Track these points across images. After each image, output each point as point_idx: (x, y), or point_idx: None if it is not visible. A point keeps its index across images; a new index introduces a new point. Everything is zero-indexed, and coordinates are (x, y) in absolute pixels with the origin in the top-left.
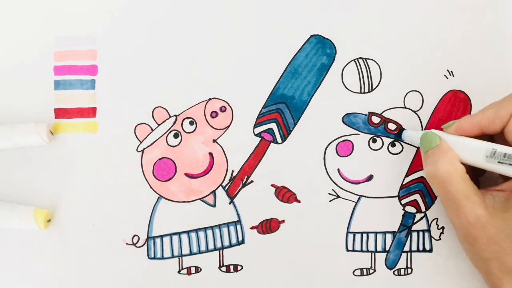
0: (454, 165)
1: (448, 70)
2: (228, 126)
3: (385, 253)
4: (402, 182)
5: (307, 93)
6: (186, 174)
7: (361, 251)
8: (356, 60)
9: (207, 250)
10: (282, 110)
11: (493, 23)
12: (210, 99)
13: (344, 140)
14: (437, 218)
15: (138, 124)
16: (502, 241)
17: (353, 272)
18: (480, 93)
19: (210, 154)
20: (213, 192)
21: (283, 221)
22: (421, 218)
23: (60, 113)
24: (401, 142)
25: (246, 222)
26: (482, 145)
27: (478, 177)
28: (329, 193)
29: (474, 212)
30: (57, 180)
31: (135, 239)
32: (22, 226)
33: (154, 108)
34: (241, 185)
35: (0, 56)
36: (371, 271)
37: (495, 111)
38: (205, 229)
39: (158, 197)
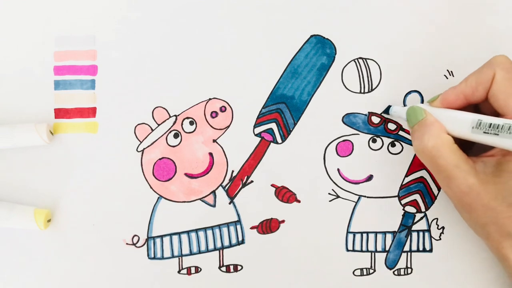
0: (440, 137)
1: (448, 70)
2: (228, 126)
3: (385, 253)
4: (402, 182)
5: (307, 93)
6: (186, 174)
7: (361, 251)
8: (356, 60)
9: (207, 250)
10: (282, 110)
11: (493, 23)
12: (210, 99)
13: (344, 140)
14: (437, 218)
15: (138, 124)
16: (498, 206)
17: (353, 272)
18: None
19: (210, 154)
20: (213, 192)
21: (283, 221)
22: (421, 218)
23: (60, 113)
24: (401, 142)
25: (246, 222)
26: (467, 116)
27: (468, 150)
28: (329, 193)
29: (466, 181)
30: (57, 180)
31: (135, 239)
32: (22, 226)
33: (154, 108)
34: (241, 185)
35: (0, 56)
36: (371, 271)
37: (477, 78)
38: (205, 229)
39: (158, 197)
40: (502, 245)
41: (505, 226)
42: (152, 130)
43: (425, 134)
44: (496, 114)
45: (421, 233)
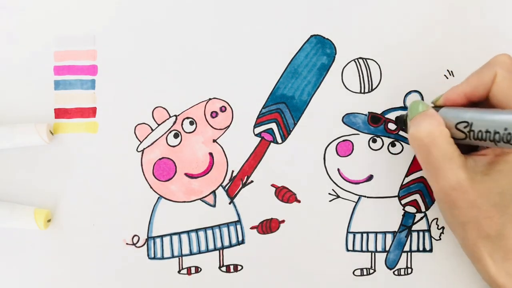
0: (438, 127)
1: (448, 70)
2: (228, 126)
3: (385, 253)
4: (402, 182)
5: (307, 93)
6: (186, 174)
7: (361, 251)
8: (356, 60)
9: (207, 250)
10: (282, 110)
11: (493, 23)
12: (210, 99)
13: (344, 140)
14: (437, 218)
15: (138, 124)
16: (482, 205)
17: (353, 272)
18: None
19: (210, 154)
20: (213, 192)
21: (283, 221)
22: (421, 218)
23: (60, 113)
24: (401, 142)
25: (246, 222)
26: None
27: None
28: (329, 193)
29: (456, 175)
30: (57, 180)
31: (135, 239)
32: (22, 226)
33: (154, 108)
34: (241, 185)
35: (0, 56)
36: (371, 271)
37: (478, 77)
38: (205, 229)
39: (158, 197)
40: (478, 246)
41: (485, 226)
42: (152, 130)
43: (424, 121)
44: None
45: (421, 233)
